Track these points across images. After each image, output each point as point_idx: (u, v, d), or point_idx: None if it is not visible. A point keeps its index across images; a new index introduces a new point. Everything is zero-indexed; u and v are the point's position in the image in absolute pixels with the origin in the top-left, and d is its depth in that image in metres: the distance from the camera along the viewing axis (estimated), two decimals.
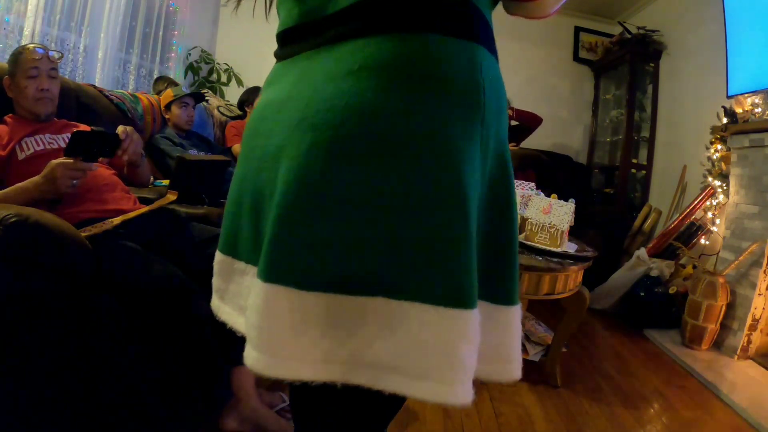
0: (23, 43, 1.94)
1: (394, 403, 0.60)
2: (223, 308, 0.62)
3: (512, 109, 3.09)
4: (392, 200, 0.49)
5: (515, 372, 0.60)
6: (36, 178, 1.11)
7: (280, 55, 0.61)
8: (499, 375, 0.60)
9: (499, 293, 0.59)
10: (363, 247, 0.49)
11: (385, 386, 0.49)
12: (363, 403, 0.57)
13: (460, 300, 0.48)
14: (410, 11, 0.52)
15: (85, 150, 1.13)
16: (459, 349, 0.48)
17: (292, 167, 0.49)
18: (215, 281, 0.64)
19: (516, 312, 0.60)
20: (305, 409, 0.61)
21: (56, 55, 1.38)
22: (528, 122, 3.15)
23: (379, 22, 0.52)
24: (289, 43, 0.59)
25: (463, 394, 0.48)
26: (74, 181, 1.12)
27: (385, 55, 0.51)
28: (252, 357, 0.49)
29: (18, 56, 1.32)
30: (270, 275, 0.48)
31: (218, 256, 0.63)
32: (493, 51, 0.59)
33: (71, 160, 1.10)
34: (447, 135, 0.51)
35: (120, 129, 1.27)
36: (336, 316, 0.50)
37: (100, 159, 1.23)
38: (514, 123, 3.09)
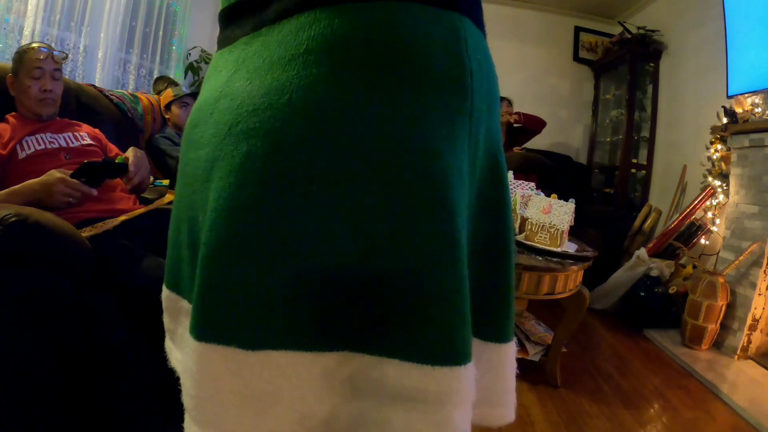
0: (23, 43, 1.93)
1: None
2: (174, 353, 0.52)
3: (519, 114, 3.10)
4: (354, 238, 0.38)
5: (508, 417, 0.53)
6: (32, 184, 1.09)
7: (220, 41, 0.48)
8: (490, 420, 0.52)
9: (489, 329, 0.50)
10: (318, 294, 0.39)
11: None
12: None
13: (453, 357, 0.39)
14: None
15: (91, 176, 1.13)
16: (455, 414, 0.39)
17: (221, 190, 0.38)
18: (165, 320, 0.53)
19: (510, 350, 0.52)
20: None
21: (61, 56, 1.37)
22: (533, 126, 3.10)
23: None
24: (230, 25, 0.46)
25: None
26: (70, 199, 1.11)
27: (338, 31, 0.38)
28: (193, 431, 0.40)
29: (22, 55, 1.31)
30: (203, 332, 0.38)
31: (164, 291, 0.52)
32: (480, 24, 0.46)
33: (74, 180, 1.09)
34: (426, 140, 0.39)
35: (131, 156, 1.26)
36: (295, 378, 0.40)
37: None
38: (517, 125, 3.08)
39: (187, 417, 0.41)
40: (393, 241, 0.38)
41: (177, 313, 0.50)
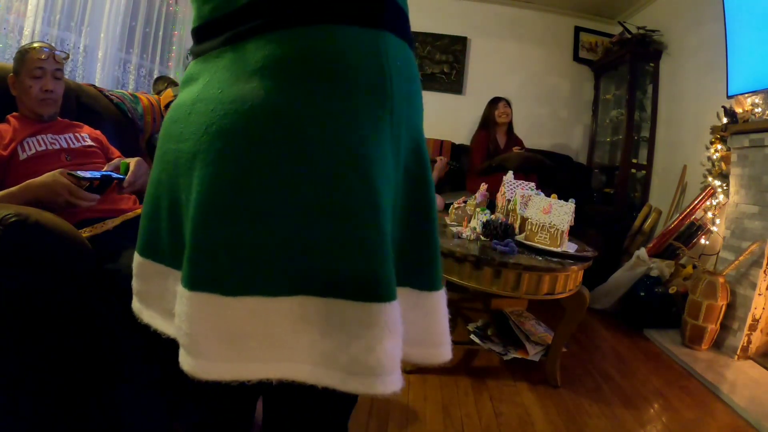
0: (23, 43, 1.93)
1: (346, 397, 0.65)
2: (145, 312, 0.62)
3: (523, 147, 3.11)
4: (303, 206, 0.49)
5: (445, 355, 0.62)
6: (34, 183, 1.09)
7: (195, 52, 0.59)
8: (430, 359, 0.62)
9: (422, 280, 0.60)
10: (280, 251, 0.50)
11: (327, 383, 0.50)
12: (321, 399, 0.59)
13: (378, 294, 0.49)
14: (311, 3, 0.50)
15: (97, 187, 1.14)
16: (384, 343, 0.49)
17: (205, 175, 0.49)
18: (135, 284, 0.63)
19: (440, 297, 0.62)
20: (275, 406, 0.66)
21: (62, 56, 1.37)
22: (530, 164, 2.93)
23: (280, 16, 0.50)
24: (203, 40, 0.57)
25: (391, 384, 0.50)
26: (73, 202, 1.10)
27: (287, 51, 0.50)
28: (188, 363, 0.50)
29: (24, 54, 1.31)
30: (194, 284, 0.49)
31: (137, 258, 0.62)
32: (403, 35, 0.57)
33: (77, 188, 1.09)
34: (354, 134, 0.51)
35: (132, 167, 1.25)
36: (264, 318, 0.50)
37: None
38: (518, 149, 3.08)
39: (182, 351, 0.51)
40: (330, 204, 0.49)
41: (151, 277, 0.60)
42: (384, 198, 0.52)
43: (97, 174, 1.15)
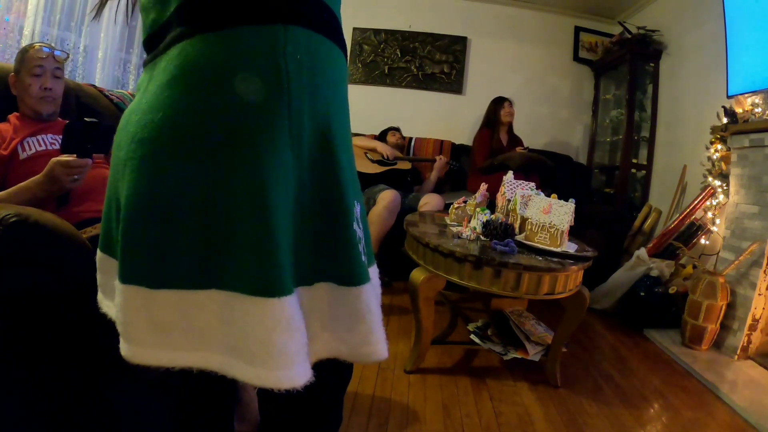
0: (23, 43, 1.93)
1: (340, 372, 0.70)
2: (104, 302, 0.67)
3: (526, 147, 3.13)
4: (203, 207, 0.53)
5: (374, 354, 0.61)
6: (38, 178, 1.11)
7: (144, 62, 0.63)
8: (360, 357, 0.61)
9: (342, 274, 0.60)
10: (191, 249, 0.54)
11: (233, 373, 0.54)
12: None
13: (267, 290, 0.52)
14: (213, 8, 0.53)
15: (79, 146, 1.13)
16: (274, 337, 0.52)
17: (129, 181, 0.54)
18: (98, 277, 0.69)
19: (362, 292, 0.60)
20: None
21: (62, 56, 1.38)
22: (530, 163, 2.93)
23: (189, 25, 0.53)
24: (149, 51, 0.61)
25: (287, 379, 0.52)
26: (76, 177, 1.13)
27: (190, 59, 0.53)
28: (124, 348, 0.56)
29: (24, 54, 1.33)
30: (125, 277, 0.54)
31: (98, 253, 0.67)
32: (313, 24, 0.58)
33: (67, 158, 1.11)
34: (246, 135, 0.53)
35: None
36: (183, 309, 0.55)
37: (101, 158, 1.22)
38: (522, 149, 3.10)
39: (120, 338, 0.57)
40: (226, 208, 0.53)
41: (109, 270, 0.64)
42: (275, 197, 0.54)
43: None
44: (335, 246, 0.60)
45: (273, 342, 0.52)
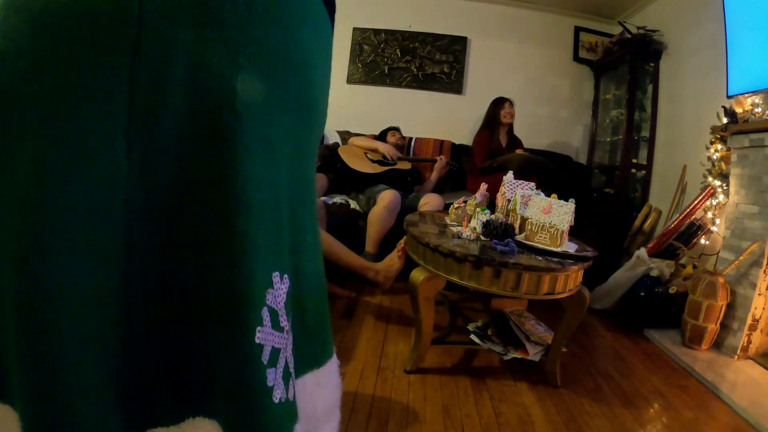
0: None
1: None
2: None
3: (524, 149, 3.13)
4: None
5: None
6: None
7: None
8: None
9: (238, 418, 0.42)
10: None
11: None
12: None
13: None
14: None
15: None
16: None
17: None
18: None
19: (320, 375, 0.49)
20: None
21: None
22: (529, 164, 2.91)
23: None
24: None
25: None
26: None
27: None
28: None
29: None
30: None
31: None
32: None
33: None
34: (25, 106, 0.35)
35: None
36: None
37: None
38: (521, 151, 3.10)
39: None
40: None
41: None
42: (65, 259, 0.37)
43: None
44: (220, 374, 0.37)
45: None
